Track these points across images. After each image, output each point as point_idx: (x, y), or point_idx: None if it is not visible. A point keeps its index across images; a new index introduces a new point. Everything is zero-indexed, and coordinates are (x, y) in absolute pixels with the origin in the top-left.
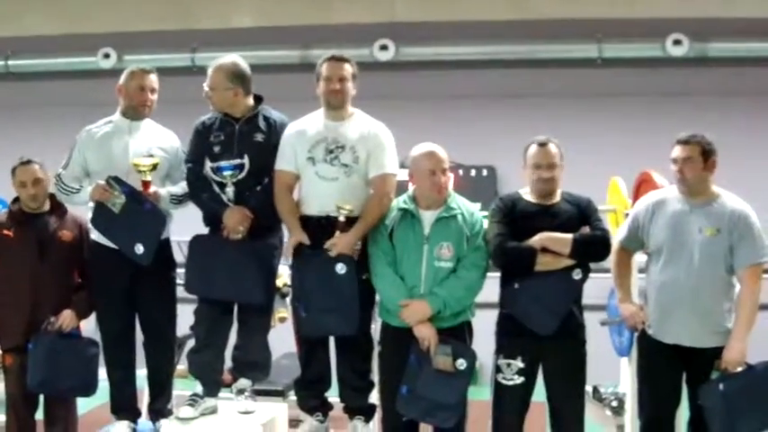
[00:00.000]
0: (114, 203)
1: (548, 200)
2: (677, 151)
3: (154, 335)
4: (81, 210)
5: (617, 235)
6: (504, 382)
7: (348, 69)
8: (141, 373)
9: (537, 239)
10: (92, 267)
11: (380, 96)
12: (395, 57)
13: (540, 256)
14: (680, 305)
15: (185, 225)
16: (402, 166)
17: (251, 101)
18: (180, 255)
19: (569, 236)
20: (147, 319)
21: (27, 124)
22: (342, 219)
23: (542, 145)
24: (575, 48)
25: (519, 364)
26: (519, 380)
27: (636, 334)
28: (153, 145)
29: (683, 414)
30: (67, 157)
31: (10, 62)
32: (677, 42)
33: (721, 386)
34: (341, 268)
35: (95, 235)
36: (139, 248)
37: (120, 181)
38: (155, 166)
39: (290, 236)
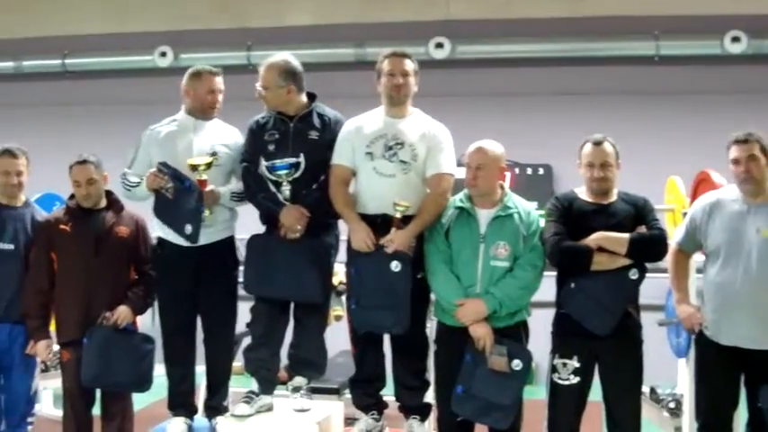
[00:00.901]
0: (167, 189)
1: (604, 199)
2: (737, 151)
3: (214, 332)
4: (138, 207)
5: (674, 236)
6: (559, 381)
7: (410, 65)
8: (199, 369)
9: (593, 239)
10: (156, 262)
11: (436, 94)
12: (450, 55)
13: (596, 255)
14: (737, 307)
15: (243, 224)
16: (458, 164)
17: (304, 98)
18: (239, 253)
19: (626, 235)
20: (208, 316)
21: (84, 122)
22: (398, 215)
23: (597, 144)
24: (632, 45)
25: (575, 363)
26: (575, 380)
27: (693, 335)
28: (216, 142)
29: (740, 416)
30: (132, 157)
31: (67, 61)
32: (735, 39)
33: None
34: (396, 266)
35: (161, 231)
36: (188, 228)
37: (167, 165)
38: (209, 165)
39: (351, 230)
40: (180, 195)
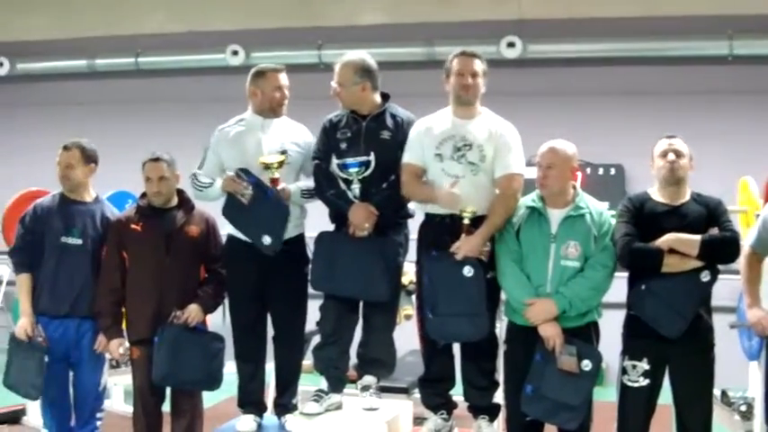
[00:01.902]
0: (243, 194)
1: (676, 200)
2: None
3: (283, 330)
4: (209, 206)
5: (747, 238)
6: (629, 383)
7: (479, 65)
8: (268, 367)
9: (664, 240)
10: (226, 260)
11: (507, 93)
12: (522, 54)
13: (667, 257)
14: None
15: (312, 221)
16: (529, 164)
17: (378, 98)
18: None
19: (697, 237)
20: (278, 314)
21: (156, 120)
22: (466, 221)
23: (670, 137)
24: (705, 45)
25: (644, 365)
26: (644, 382)
27: (765, 339)
28: (286, 140)
29: None
30: (202, 158)
31: (140, 59)
32: None
33: None
34: (468, 271)
35: (231, 229)
36: (266, 239)
37: (247, 172)
38: (281, 163)
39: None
40: (258, 204)
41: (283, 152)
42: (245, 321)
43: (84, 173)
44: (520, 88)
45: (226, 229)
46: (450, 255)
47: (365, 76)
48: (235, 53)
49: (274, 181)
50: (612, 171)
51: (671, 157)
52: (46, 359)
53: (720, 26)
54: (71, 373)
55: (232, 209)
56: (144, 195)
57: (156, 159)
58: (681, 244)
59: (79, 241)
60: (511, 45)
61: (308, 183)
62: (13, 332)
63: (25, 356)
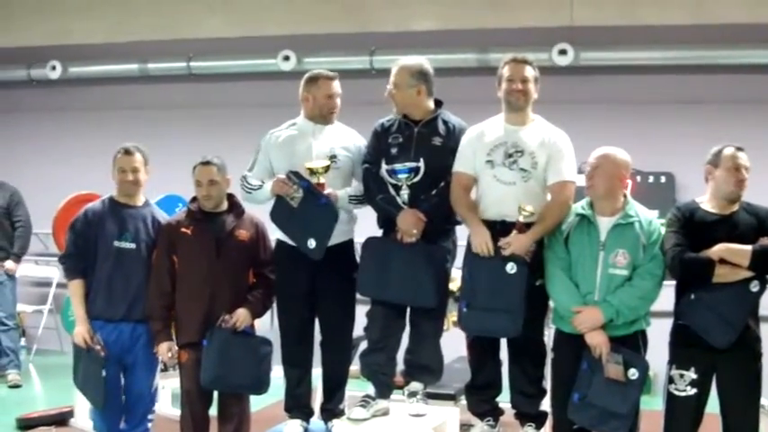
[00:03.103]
0: (293, 198)
1: (727, 209)
2: None
3: (332, 335)
4: (259, 211)
5: None
6: (676, 393)
7: (530, 71)
8: (316, 372)
9: (715, 251)
10: (276, 265)
11: (559, 101)
12: (574, 61)
13: (717, 267)
14: None
15: (360, 227)
16: (579, 171)
17: (432, 104)
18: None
19: (748, 247)
20: (326, 319)
21: (207, 124)
22: (521, 219)
23: (739, 149)
24: (755, 53)
25: (692, 375)
26: (691, 391)
27: None
28: (336, 145)
29: None
30: (253, 160)
31: (192, 63)
32: None
33: None
34: (511, 267)
35: (280, 234)
36: (311, 243)
37: (299, 176)
38: (327, 168)
39: (471, 233)
40: (308, 208)
41: (332, 157)
42: (293, 326)
43: (145, 177)
44: (571, 96)
45: (276, 234)
46: (495, 253)
47: (421, 79)
48: (286, 58)
49: (320, 186)
50: (663, 179)
51: (742, 175)
52: (104, 374)
53: None
54: (122, 376)
55: (280, 212)
56: (194, 199)
57: (207, 163)
58: (732, 254)
59: (132, 245)
60: (563, 52)
61: (357, 188)
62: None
63: (87, 365)
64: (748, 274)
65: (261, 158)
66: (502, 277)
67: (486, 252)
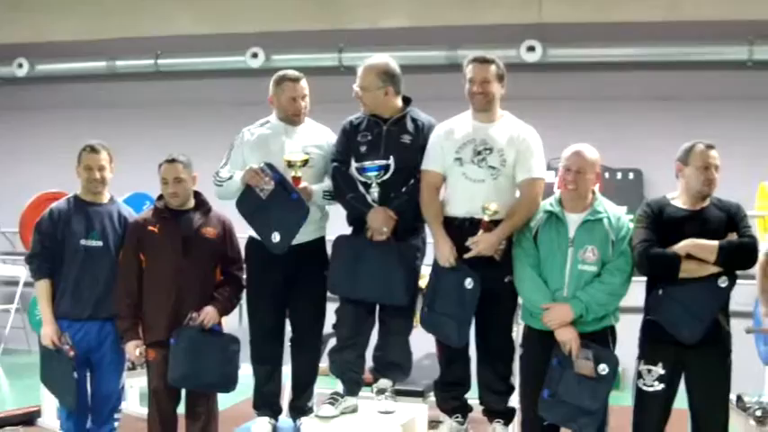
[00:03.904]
0: (263, 189)
1: (697, 205)
2: None
3: (302, 332)
4: (226, 208)
5: (762, 247)
6: (644, 388)
7: (492, 71)
8: (285, 369)
9: (682, 246)
10: (247, 262)
11: (527, 98)
12: (542, 58)
13: (684, 263)
14: None
15: (330, 225)
16: (549, 168)
17: (400, 102)
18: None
19: (715, 243)
20: (297, 317)
21: (175, 122)
22: (486, 218)
23: (709, 147)
24: (725, 50)
25: (660, 370)
26: (659, 386)
27: None
28: (309, 144)
29: None
30: (226, 157)
31: (159, 61)
32: None
33: None
34: (469, 283)
35: (252, 231)
36: (276, 237)
37: (273, 168)
38: (305, 162)
39: (435, 243)
40: (278, 202)
41: (304, 153)
42: (264, 324)
43: (110, 174)
44: (539, 92)
45: (246, 231)
46: (459, 263)
47: (389, 80)
48: (254, 55)
49: (296, 180)
50: (631, 176)
51: (712, 174)
52: (75, 375)
53: (741, 31)
54: (89, 375)
55: (247, 202)
56: (161, 197)
57: (173, 161)
58: (699, 250)
59: (100, 243)
60: (531, 49)
61: (328, 184)
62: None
63: (56, 365)
64: (716, 269)
65: (234, 156)
66: (459, 289)
67: (448, 265)
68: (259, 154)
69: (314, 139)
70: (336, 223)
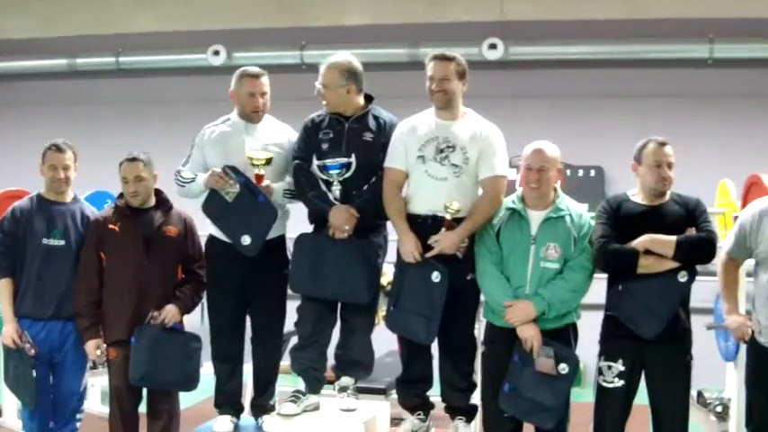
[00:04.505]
0: (228, 192)
1: (656, 201)
2: None
3: (263, 331)
4: (187, 206)
5: (724, 245)
6: (605, 384)
7: (453, 68)
8: (246, 368)
9: (640, 242)
10: (207, 260)
11: (489, 95)
12: (504, 56)
13: (642, 258)
14: None
15: (292, 223)
16: (511, 165)
17: (362, 100)
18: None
19: (673, 238)
20: (258, 315)
21: (137, 120)
22: (448, 216)
23: (662, 144)
24: (686, 48)
25: (620, 367)
26: (619, 383)
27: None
28: (269, 142)
29: None
30: (188, 155)
31: (120, 59)
32: None
33: None
34: (436, 277)
35: (213, 229)
36: (246, 240)
37: (236, 170)
38: (269, 161)
39: (400, 240)
40: (244, 204)
41: (266, 151)
42: (224, 322)
43: (74, 174)
44: (501, 90)
45: (207, 229)
46: (424, 257)
47: (351, 78)
48: (216, 53)
49: (259, 178)
50: (592, 173)
51: (664, 172)
52: (34, 374)
53: (701, 29)
54: (51, 376)
55: (214, 206)
56: (122, 196)
57: (133, 159)
58: (656, 245)
59: (62, 242)
60: (493, 47)
61: (292, 182)
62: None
63: (17, 364)
64: (674, 264)
65: (195, 154)
66: (426, 284)
67: (413, 260)
68: (219, 152)
69: (274, 137)
70: (297, 221)
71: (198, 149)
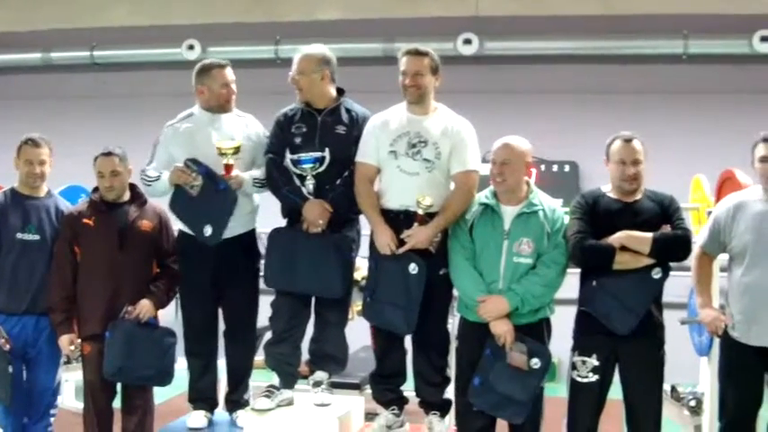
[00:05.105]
0: (192, 186)
1: (630, 197)
2: (765, 149)
3: (236, 326)
4: (161, 200)
5: (698, 239)
6: (578, 379)
7: (426, 63)
8: (220, 363)
9: (616, 238)
10: (179, 256)
11: (463, 91)
12: (478, 51)
13: (618, 254)
14: (766, 307)
15: (265, 217)
16: (483, 161)
17: (334, 91)
18: (260, 246)
19: (649, 235)
20: (230, 310)
21: (112, 114)
22: (420, 211)
23: (627, 141)
24: (660, 44)
25: (593, 361)
26: (593, 378)
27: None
28: (236, 134)
29: (764, 416)
30: (152, 154)
31: (95, 53)
32: (764, 39)
33: None
34: (413, 268)
35: (182, 225)
36: (208, 230)
37: (197, 162)
38: (237, 149)
39: (375, 232)
40: (208, 195)
41: (233, 140)
42: (197, 317)
43: (50, 169)
44: (476, 85)
45: (179, 224)
46: (400, 247)
47: (325, 65)
48: (191, 47)
49: (228, 167)
50: (567, 168)
51: (630, 171)
52: (10, 369)
53: (676, 25)
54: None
55: (179, 202)
56: (96, 190)
57: (108, 154)
58: (633, 241)
59: (37, 237)
60: (467, 42)
61: (259, 172)
62: None
63: None
64: (649, 261)
65: (160, 152)
66: (404, 276)
67: (389, 252)
68: (186, 148)
69: (241, 129)
70: (270, 215)
71: (163, 148)
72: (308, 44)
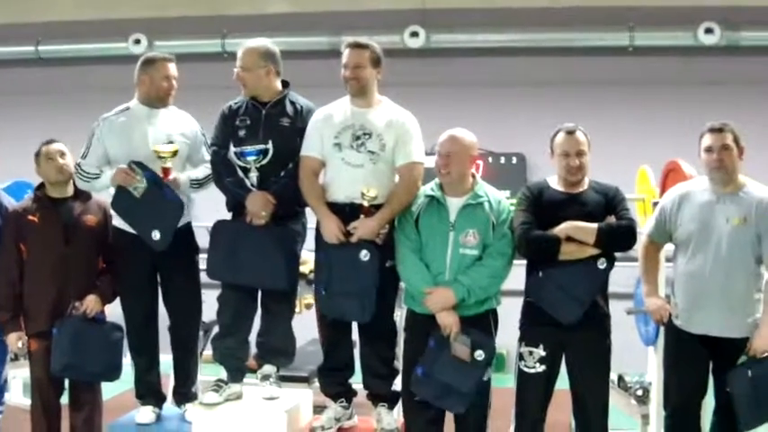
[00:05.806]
0: (136, 188)
1: (575, 188)
2: (711, 140)
3: (178, 319)
4: (105, 195)
5: (644, 228)
6: (526, 370)
7: (366, 56)
8: (167, 358)
9: (561, 228)
10: (115, 253)
11: (411, 83)
12: (425, 44)
13: (564, 245)
14: (708, 295)
15: (209, 210)
16: (429, 153)
17: (279, 85)
18: (203, 239)
19: (594, 225)
20: (172, 304)
21: (57, 109)
22: (365, 203)
23: (570, 133)
24: (606, 36)
25: (540, 352)
26: (540, 368)
27: (662, 326)
28: (172, 131)
29: (708, 403)
30: (86, 147)
31: (40, 47)
32: (709, 31)
33: (750, 372)
34: (364, 255)
35: (117, 221)
36: (156, 235)
37: (142, 166)
38: (175, 153)
39: (321, 223)
40: (153, 200)
41: (170, 143)
42: (137, 313)
43: None
44: (423, 78)
45: (117, 220)
46: (348, 238)
47: (269, 59)
48: (137, 42)
49: (166, 170)
50: (514, 160)
51: (574, 162)
52: None
53: (622, 17)
54: None
55: (123, 202)
56: (40, 186)
57: (52, 141)
58: (578, 232)
59: None
60: (414, 35)
61: (197, 173)
62: None
63: None
64: (595, 251)
65: (95, 145)
66: (355, 264)
67: (336, 241)
68: (121, 142)
69: (177, 126)
70: (210, 208)
71: (98, 141)
72: (255, 38)
